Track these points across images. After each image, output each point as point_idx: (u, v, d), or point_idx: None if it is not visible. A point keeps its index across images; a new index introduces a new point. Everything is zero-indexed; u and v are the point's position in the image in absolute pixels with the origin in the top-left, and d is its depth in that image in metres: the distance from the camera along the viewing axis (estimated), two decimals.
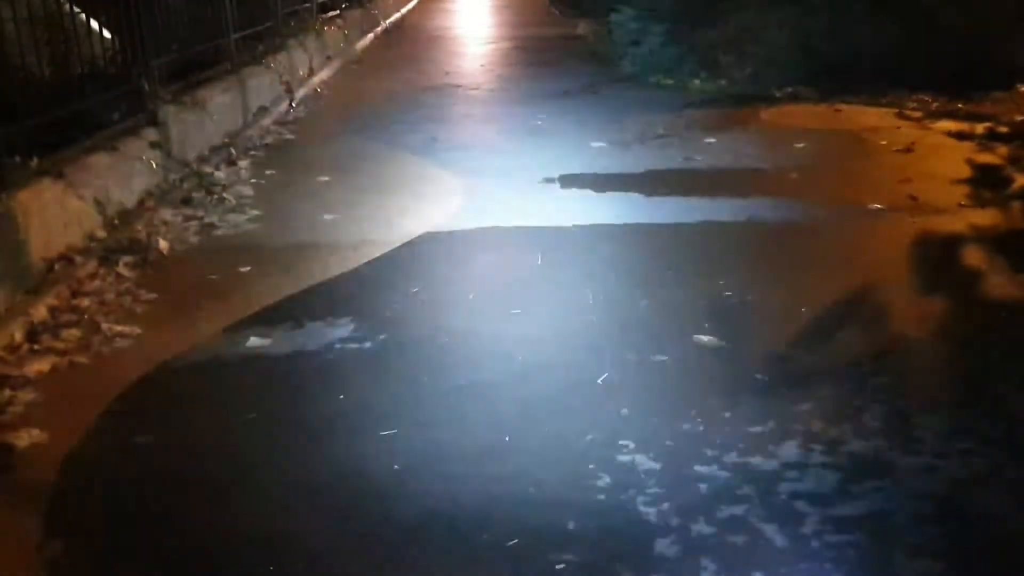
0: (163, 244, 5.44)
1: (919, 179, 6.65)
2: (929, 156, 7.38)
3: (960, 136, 7.94)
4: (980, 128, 8.07)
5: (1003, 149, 7.44)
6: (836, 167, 7.19)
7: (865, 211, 6.05)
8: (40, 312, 4.42)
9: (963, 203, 6.16)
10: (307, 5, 12.56)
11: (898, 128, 8.33)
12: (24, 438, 3.48)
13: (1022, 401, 3.72)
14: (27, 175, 4.86)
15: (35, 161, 4.98)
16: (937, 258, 5.27)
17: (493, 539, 2.89)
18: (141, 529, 3.00)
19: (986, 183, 6.56)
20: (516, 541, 2.87)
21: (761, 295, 4.72)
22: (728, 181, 6.83)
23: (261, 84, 9.34)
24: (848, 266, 5.11)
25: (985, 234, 5.59)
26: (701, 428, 3.49)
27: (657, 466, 3.25)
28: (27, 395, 3.79)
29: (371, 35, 16.85)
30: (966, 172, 6.87)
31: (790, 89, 9.95)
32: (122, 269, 5.07)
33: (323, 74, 12.02)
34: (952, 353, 4.17)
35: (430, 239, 5.69)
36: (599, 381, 3.87)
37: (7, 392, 3.78)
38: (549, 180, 6.89)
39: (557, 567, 2.75)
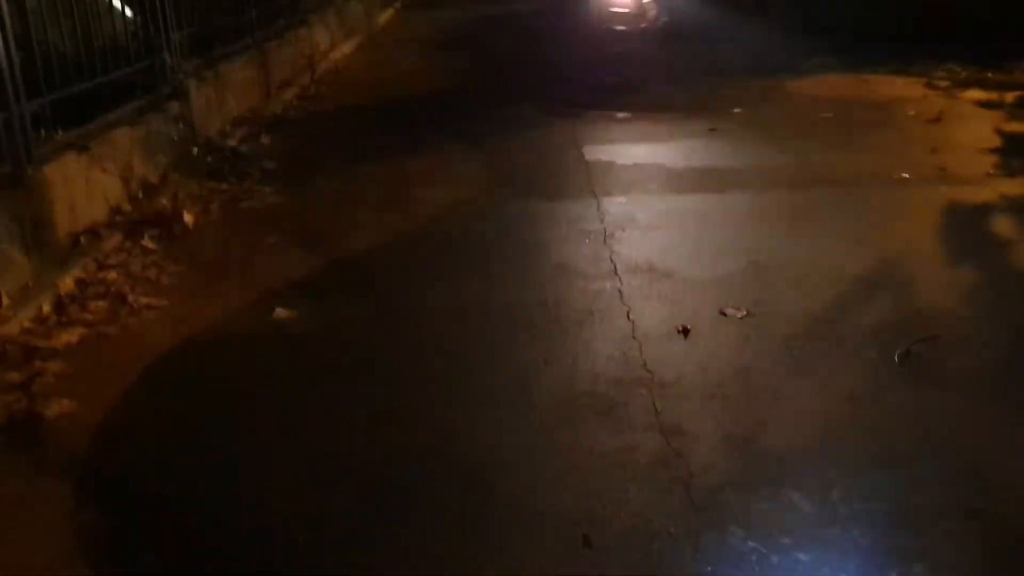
0: (188, 217, 5.46)
1: (947, 149, 6.57)
2: (957, 126, 7.29)
3: (989, 105, 7.83)
4: (1010, 97, 7.95)
5: None
6: (863, 137, 7.10)
7: (893, 181, 5.98)
8: (67, 284, 4.45)
9: (992, 172, 6.08)
10: None
11: (926, 98, 8.23)
12: (54, 409, 3.51)
13: None
14: (52, 149, 4.88)
15: (59, 135, 5.00)
16: (966, 228, 5.20)
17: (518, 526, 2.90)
18: (170, 499, 3.02)
19: (1015, 152, 6.47)
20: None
21: (789, 264, 4.69)
22: (754, 151, 6.77)
23: (282, 59, 9.33)
24: (876, 236, 5.06)
25: (1014, 203, 5.51)
26: (734, 391, 3.48)
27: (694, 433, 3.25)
28: (56, 366, 3.82)
29: (392, 8, 16.78)
30: (995, 141, 6.77)
31: (817, 59, 9.83)
32: (147, 242, 5.10)
33: (344, 48, 11.99)
34: (981, 321, 4.12)
35: (454, 214, 5.68)
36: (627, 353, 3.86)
37: (36, 363, 3.81)
38: (575, 149, 6.87)
39: None
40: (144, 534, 2.86)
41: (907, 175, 6.05)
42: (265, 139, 7.44)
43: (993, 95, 8.08)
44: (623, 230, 5.22)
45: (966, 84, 8.59)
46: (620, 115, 8.07)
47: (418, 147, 7.26)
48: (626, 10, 12.19)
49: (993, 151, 6.54)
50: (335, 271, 4.85)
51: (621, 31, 10.43)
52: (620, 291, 4.43)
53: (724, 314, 4.16)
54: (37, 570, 2.73)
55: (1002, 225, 5.23)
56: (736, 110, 8.01)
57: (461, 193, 6.03)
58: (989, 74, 8.77)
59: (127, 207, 5.41)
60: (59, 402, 3.53)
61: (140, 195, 5.60)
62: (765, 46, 10.91)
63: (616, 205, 5.65)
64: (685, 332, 3.99)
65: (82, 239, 4.87)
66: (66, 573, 2.70)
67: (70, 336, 4.07)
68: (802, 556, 2.66)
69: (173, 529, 2.88)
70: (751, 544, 2.70)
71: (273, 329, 4.18)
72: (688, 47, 11.38)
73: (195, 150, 6.60)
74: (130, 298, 4.44)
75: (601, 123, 7.82)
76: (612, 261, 4.78)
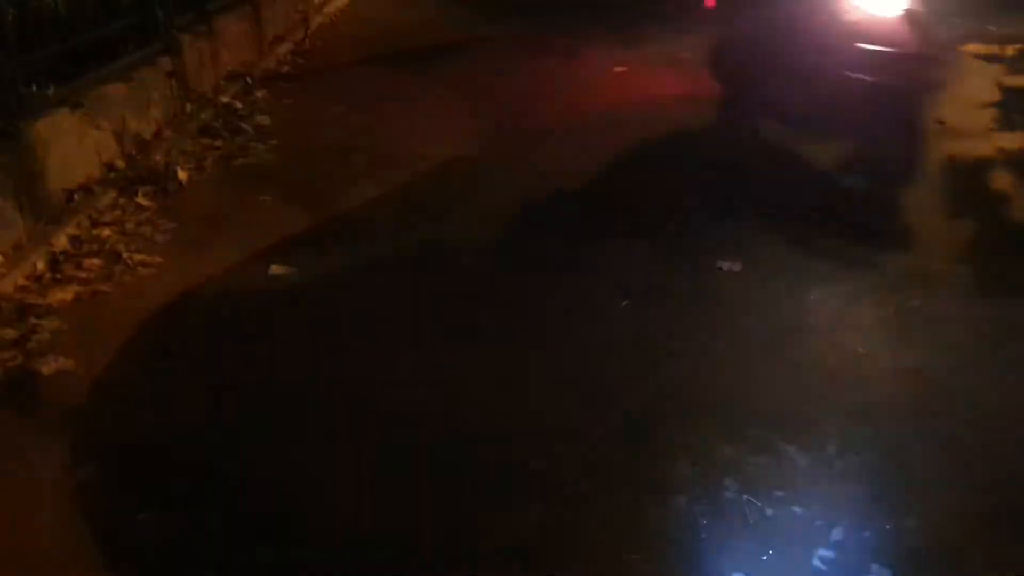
0: (182, 174, 5.42)
1: (947, 102, 6.52)
2: (957, 79, 7.22)
3: (989, 59, 7.76)
4: (1010, 50, 7.88)
5: None
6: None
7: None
8: (61, 242, 4.43)
9: (992, 126, 6.04)
10: None
11: None
12: (50, 366, 3.51)
13: None
14: (44, 105, 4.82)
15: (52, 91, 4.94)
16: (964, 182, 5.18)
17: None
18: (165, 454, 3.03)
19: (1016, 106, 6.42)
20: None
21: (787, 217, 4.67)
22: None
23: (276, 13, 9.20)
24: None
25: (1014, 157, 5.49)
26: (723, 350, 3.48)
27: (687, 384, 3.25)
28: (51, 323, 3.81)
29: None
30: (995, 95, 6.72)
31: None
32: (141, 199, 5.07)
33: (339, 1, 11.84)
34: (978, 276, 4.12)
35: (449, 167, 5.64)
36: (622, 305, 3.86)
37: (31, 320, 3.81)
38: (571, 106, 6.82)
39: None
40: (142, 489, 2.88)
41: None
42: (259, 94, 7.37)
43: (994, 48, 8.01)
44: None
45: (966, 37, 8.51)
46: None
47: (416, 103, 7.19)
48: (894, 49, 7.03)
49: (993, 105, 6.49)
50: (331, 227, 4.83)
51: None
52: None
53: (720, 268, 4.15)
54: (36, 526, 2.75)
55: (1001, 179, 5.21)
56: None
57: (457, 149, 5.98)
58: (990, 27, 8.68)
59: (121, 164, 5.36)
60: (55, 359, 3.54)
61: (134, 151, 5.55)
62: None
63: None
64: (680, 287, 3.99)
65: (76, 196, 4.84)
66: (65, 528, 2.71)
67: (65, 293, 4.06)
68: (796, 509, 2.67)
69: (171, 484, 2.89)
70: (745, 497, 2.72)
71: (269, 285, 4.17)
72: None
73: (188, 106, 6.54)
74: (124, 255, 4.42)
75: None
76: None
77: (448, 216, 4.89)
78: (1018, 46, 7.92)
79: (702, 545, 2.58)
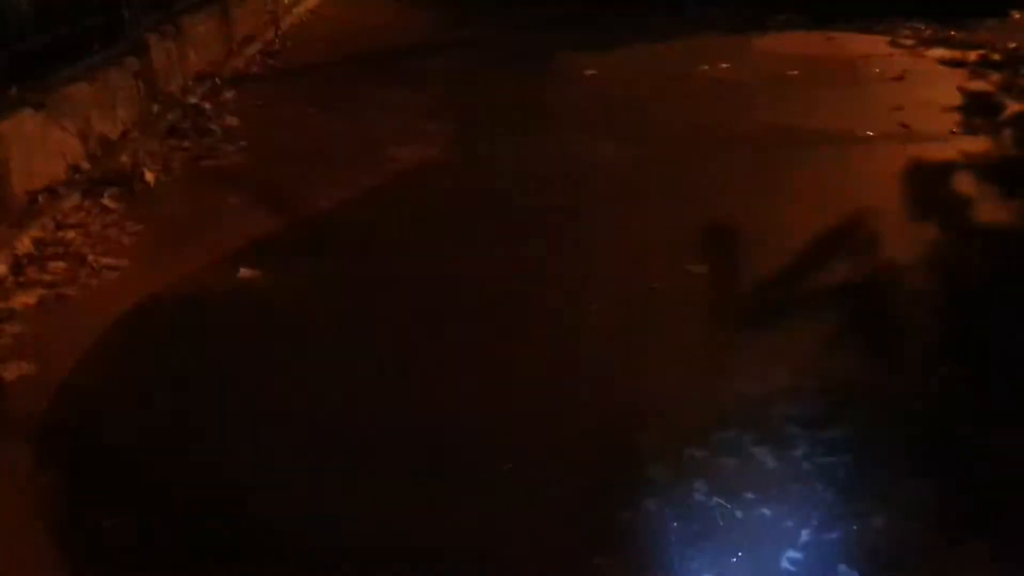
0: (149, 175, 5.38)
1: (911, 107, 6.60)
2: (921, 84, 7.32)
3: (953, 63, 7.87)
4: (973, 55, 8.00)
5: (995, 76, 7.37)
6: (827, 95, 7.12)
7: (856, 139, 6.02)
8: (24, 244, 4.37)
9: (954, 130, 6.13)
10: None
11: (890, 56, 8.25)
12: (12, 371, 3.46)
13: (1009, 325, 3.73)
14: (7, 105, 4.77)
15: (14, 91, 4.88)
16: (928, 185, 5.25)
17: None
18: (130, 461, 3.00)
19: (978, 110, 6.52)
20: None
21: (751, 222, 4.71)
22: (720, 108, 6.77)
23: (246, 12, 9.15)
24: (838, 193, 5.09)
25: (976, 161, 5.57)
26: (692, 354, 3.51)
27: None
28: (14, 328, 3.76)
29: None
30: (958, 100, 6.82)
31: (783, 17, 9.81)
32: (107, 201, 5.02)
33: (310, 2, 11.79)
34: (941, 279, 4.18)
35: (420, 171, 5.64)
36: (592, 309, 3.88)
37: None
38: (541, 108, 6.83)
39: None
40: (105, 496, 2.84)
41: (871, 133, 6.09)
42: (228, 95, 7.32)
43: (957, 53, 8.12)
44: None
45: (930, 42, 8.63)
46: None
47: (386, 105, 7.17)
48: None
49: (956, 109, 6.58)
50: (301, 230, 4.81)
51: None
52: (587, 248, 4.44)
53: (688, 271, 4.17)
54: None
55: (963, 183, 5.28)
56: (703, 67, 7.99)
57: (427, 152, 5.97)
58: (953, 32, 8.81)
59: (86, 165, 5.31)
60: (18, 364, 3.48)
61: (99, 153, 5.50)
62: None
63: None
64: (650, 289, 4.01)
65: (40, 198, 4.78)
66: (28, 535, 2.68)
67: (28, 297, 4.01)
68: (766, 510, 2.69)
69: (135, 490, 2.86)
70: (715, 499, 2.73)
71: (237, 289, 4.14)
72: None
73: (156, 107, 6.49)
74: (90, 258, 4.38)
75: None
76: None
77: (417, 219, 4.89)
78: (980, 52, 8.04)
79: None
